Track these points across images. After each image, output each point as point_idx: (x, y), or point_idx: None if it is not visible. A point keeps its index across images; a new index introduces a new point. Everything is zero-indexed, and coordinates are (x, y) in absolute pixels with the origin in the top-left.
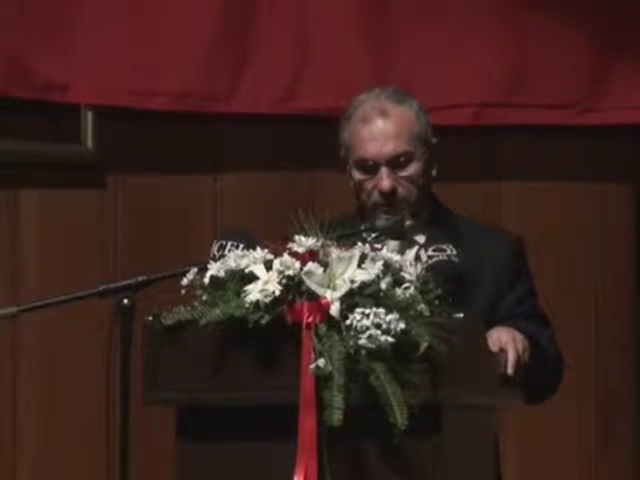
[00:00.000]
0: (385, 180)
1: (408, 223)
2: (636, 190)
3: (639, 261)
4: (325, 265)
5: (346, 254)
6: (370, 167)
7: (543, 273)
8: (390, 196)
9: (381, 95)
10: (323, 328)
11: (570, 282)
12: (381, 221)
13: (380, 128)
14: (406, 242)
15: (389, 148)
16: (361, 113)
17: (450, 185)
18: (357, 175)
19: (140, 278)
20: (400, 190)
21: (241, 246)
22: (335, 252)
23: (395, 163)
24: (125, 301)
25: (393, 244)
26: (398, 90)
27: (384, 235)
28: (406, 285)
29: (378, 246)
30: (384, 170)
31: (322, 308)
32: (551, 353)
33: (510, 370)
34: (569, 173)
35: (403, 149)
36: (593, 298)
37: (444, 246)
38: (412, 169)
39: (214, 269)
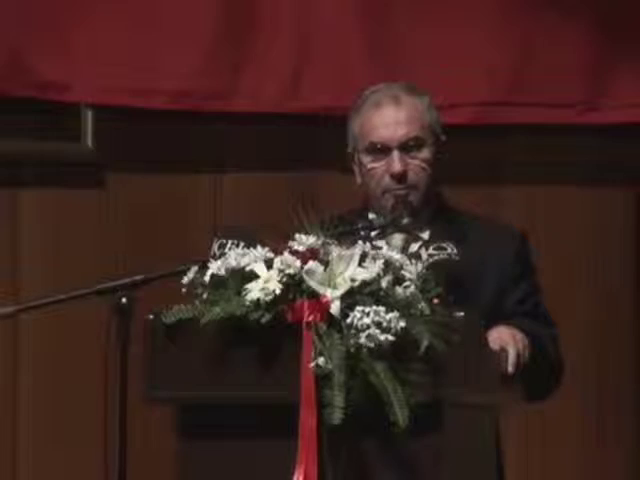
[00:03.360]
0: (397, 163)
1: (405, 221)
2: (636, 190)
3: (639, 261)
4: (326, 264)
5: (347, 252)
6: (381, 151)
7: (542, 273)
8: (401, 179)
9: (393, 86)
10: (323, 327)
11: (570, 282)
12: (379, 219)
13: (393, 113)
14: (411, 236)
15: (402, 132)
16: (374, 100)
17: (450, 184)
18: (368, 162)
19: (137, 277)
20: (410, 175)
21: (241, 244)
22: (336, 250)
23: (406, 147)
24: (123, 300)
25: (398, 237)
26: (410, 84)
27: (385, 231)
28: (406, 284)
29: (381, 243)
30: (396, 153)
31: (322, 307)
32: (552, 353)
33: (510, 368)
34: (569, 173)
35: (415, 134)
36: (593, 298)
37: (445, 245)
38: (423, 155)
39: (215, 267)
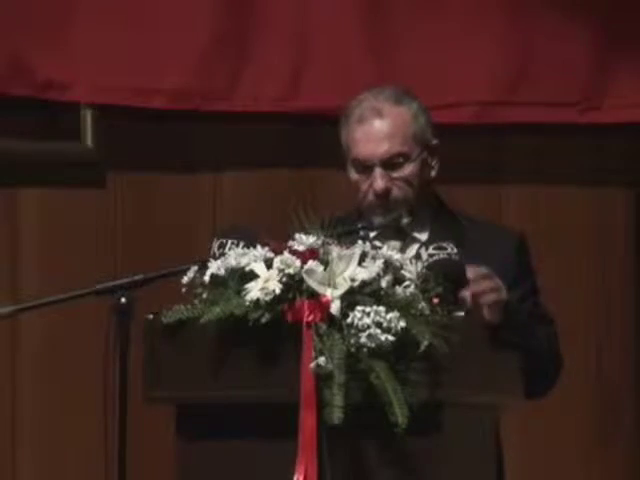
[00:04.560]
0: (379, 181)
1: (405, 221)
2: (636, 190)
3: (639, 261)
4: (326, 263)
5: (347, 252)
6: (365, 168)
7: (543, 273)
8: (384, 197)
9: (380, 95)
10: (323, 326)
11: (570, 282)
12: (378, 219)
13: (375, 129)
14: (408, 240)
15: (383, 149)
16: (358, 113)
17: (450, 184)
18: (353, 175)
19: (137, 277)
20: (394, 191)
21: (241, 244)
22: (336, 250)
23: (389, 164)
24: (122, 300)
25: (394, 244)
26: (398, 90)
27: (382, 233)
28: (406, 283)
29: (379, 244)
30: (378, 171)
31: (322, 306)
32: (549, 350)
33: (485, 300)
34: (569, 172)
35: (397, 150)
36: (593, 298)
37: (445, 244)
38: (407, 170)
39: (214, 267)
